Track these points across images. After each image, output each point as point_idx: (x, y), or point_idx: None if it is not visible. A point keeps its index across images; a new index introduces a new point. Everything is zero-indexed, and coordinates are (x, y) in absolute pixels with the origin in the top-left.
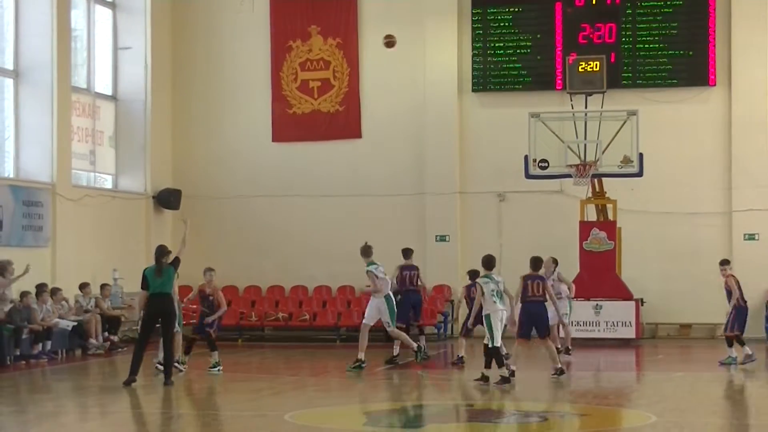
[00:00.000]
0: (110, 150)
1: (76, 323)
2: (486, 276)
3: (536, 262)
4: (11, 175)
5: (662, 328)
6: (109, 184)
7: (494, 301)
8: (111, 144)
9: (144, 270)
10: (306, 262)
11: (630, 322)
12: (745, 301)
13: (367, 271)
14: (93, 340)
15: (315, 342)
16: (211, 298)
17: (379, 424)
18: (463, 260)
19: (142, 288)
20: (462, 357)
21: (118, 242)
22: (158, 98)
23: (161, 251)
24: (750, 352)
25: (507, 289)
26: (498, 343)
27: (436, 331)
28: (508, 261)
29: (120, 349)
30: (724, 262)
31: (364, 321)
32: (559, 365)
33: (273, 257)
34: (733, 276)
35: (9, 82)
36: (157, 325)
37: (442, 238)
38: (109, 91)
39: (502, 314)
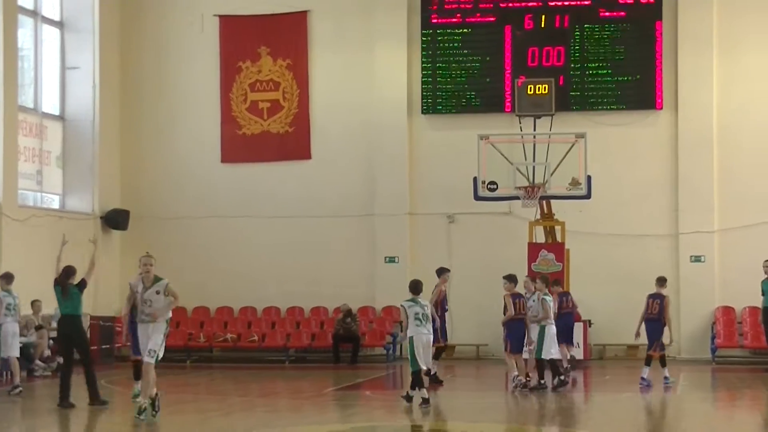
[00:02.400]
0: (57, 170)
1: (21, 345)
2: (411, 300)
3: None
4: None
5: (610, 349)
6: (56, 204)
7: (417, 325)
8: (58, 164)
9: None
10: (255, 283)
11: (578, 343)
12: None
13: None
14: (39, 362)
15: (264, 363)
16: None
17: None
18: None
19: None
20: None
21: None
22: (107, 118)
23: (67, 272)
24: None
25: (433, 312)
26: (422, 366)
27: (385, 352)
28: (457, 282)
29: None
30: (659, 281)
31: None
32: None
33: (222, 278)
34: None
35: None
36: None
37: (391, 260)
38: (56, 111)
39: (425, 338)
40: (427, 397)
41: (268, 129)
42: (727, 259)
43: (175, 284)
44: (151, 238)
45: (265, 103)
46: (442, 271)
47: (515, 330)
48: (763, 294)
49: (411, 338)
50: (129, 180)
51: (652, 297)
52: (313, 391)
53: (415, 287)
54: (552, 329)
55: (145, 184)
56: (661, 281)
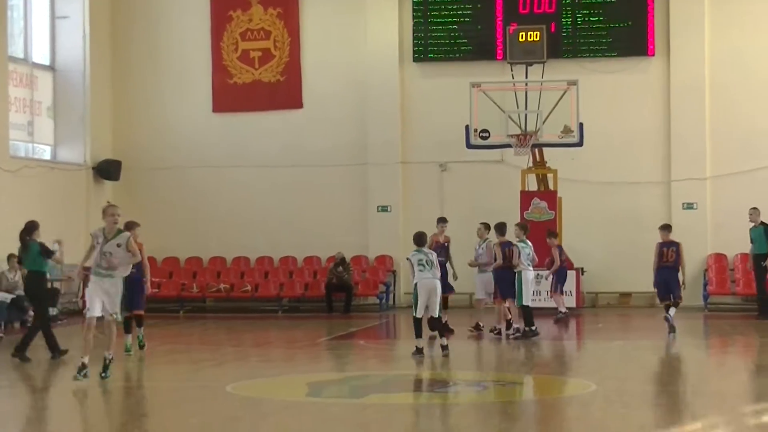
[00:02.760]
0: (49, 121)
1: (15, 296)
2: (416, 250)
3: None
4: None
5: (602, 297)
6: (47, 155)
7: (420, 270)
8: (49, 115)
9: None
10: (248, 233)
11: (570, 291)
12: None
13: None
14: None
15: (257, 313)
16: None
17: (321, 395)
18: (405, 230)
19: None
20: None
21: (58, 214)
22: (97, 68)
23: (28, 227)
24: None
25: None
26: (419, 315)
27: (378, 301)
28: (450, 230)
29: (60, 321)
30: (662, 228)
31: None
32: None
33: (214, 228)
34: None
35: None
36: None
37: (384, 209)
38: (47, 61)
39: (429, 282)
40: (421, 347)
41: (260, 78)
42: (719, 206)
43: (168, 235)
44: (142, 189)
45: (256, 52)
46: (437, 222)
47: (504, 277)
48: (752, 241)
49: (415, 284)
50: (121, 130)
51: (666, 246)
52: (306, 341)
53: (420, 239)
54: (529, 275)
55: (137, 134)
56: (669, 228)
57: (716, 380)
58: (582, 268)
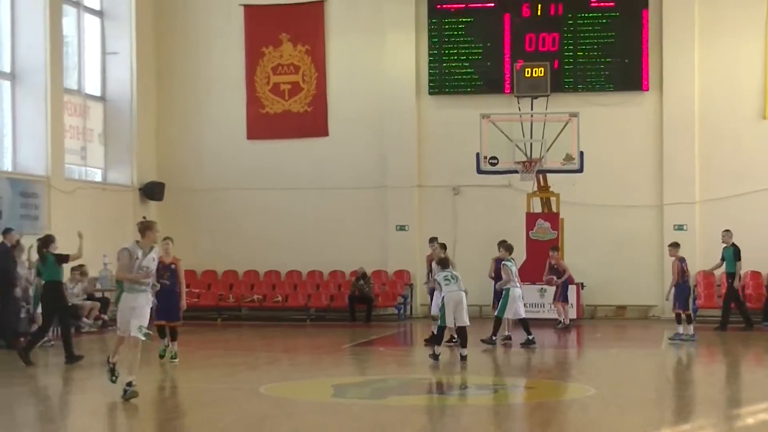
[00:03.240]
0: (100, 146)
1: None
2: (441, 269)
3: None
4: (9, 169)
5: (600, 310)
6: (98, 178)
7: (446, 284)
8: (100, 141)
9: None
10: (279, 249)
11: (572, 304)
12: (685, 281)
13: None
14: (85, 320)
15: (287, 321)
16: (173, 266)
17: (344, 396)
18: (421, 248)
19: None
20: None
21: (108, 230)
22: (143, 99)
23: (44, 241)
24: (692, 332)
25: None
26: (449, 325)
27: (396, 312)
28: (462, 248)
29: (110, 327)
30: (672, 245)
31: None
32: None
33: (248, 244)
34: (676, 258)
35: (6, 84)
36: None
37: (401, 228)
38: (98, 93)
39: (456, 295)
40: (438, 354)
41: (289, 108)
42: (707, 229)
43: (207, 250)
44: (183, 208)
45: (286, 85)
46: (429, 241)
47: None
48: (722, 260)
49: (443, 297)
50: (164, 155)
51: (682, 261)
52: (331, 347)
53: (444, 262)
54: (516, 292)
55: (179, 158)
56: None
57: (704, 386)
58: (582, 283)
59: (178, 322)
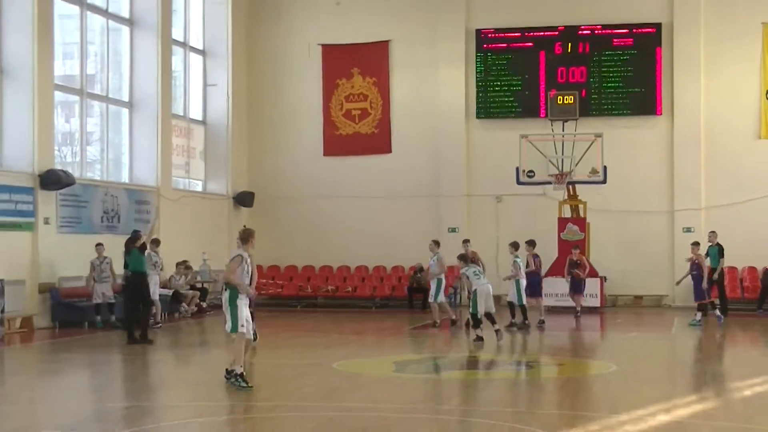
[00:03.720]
0: (200, 162)
1: (172, 292)
2: (466, 266)
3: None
4: (127, 181)
5: (620, 299)
6: (199, 188)
7: (477, 278)
8: (201, 157)
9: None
10: (349, 247)
11: (596, 294)
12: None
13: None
14: (185, 306)
15: (356, 308)
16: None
17: (404, 371)
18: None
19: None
20: (542, 319)
21: (206, 233)
22: (237, 122)
23: (132, 238)
24: (699, 318)
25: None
26: (480, 311)
27: (448, 300)
28: (503, 248)
29: (208, 313)
30: (694, 244)
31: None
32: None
33: (324, 244)
34: (695, 254)
35: (125, 111)
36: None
37: (452, 230)
38: (200, 117)
39: (486, 288)
40: (481, 335)
41: (359, 130)
42: (711, 230)
43: (289, 248)
44: (270, 213)
45: (357, 111)
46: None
47: (531, 281)
48: (706, 255)
49: (475, 290)
50: (254, 169)
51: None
52: (392, 330)
53: (464, 257)
54: (484, 289)
55: (266, 172)
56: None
57: (712, 363)
58: (605, 276)
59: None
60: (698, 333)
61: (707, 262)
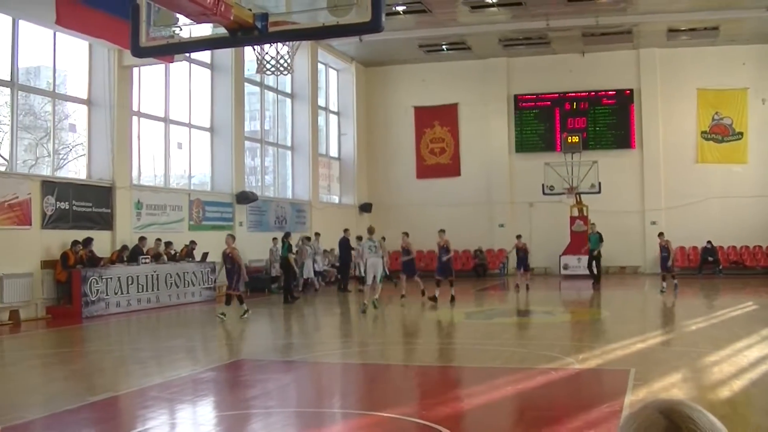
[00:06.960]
0: (337, 183)
1: (316, 271)
2: (368, 239)
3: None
4: (290, 197)
5: (611, 269)
6: (336, 201)
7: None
8: (337, 181)
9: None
10: (433, 238)
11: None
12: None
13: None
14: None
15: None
16: (230, 255)
17: (471, 318)
18: (512, 238)
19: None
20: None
21: (340, 231)
22: (360, 158)
23: (286, 234)
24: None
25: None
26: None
27: (498, 271)
28: (536, 239)
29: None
30: (660, 234)
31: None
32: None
33: (417, 235)
34: (662, 240)
35: (288, 153)
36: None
37: (501, 225)
38: (336, 155)
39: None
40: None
41: (439, 161)
42: (670, 223)
43: (395, 239)
44: (383, 217)
45: (437, 149)
46: (439, 231)
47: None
48: (588, 241)
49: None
50: (372, 187)
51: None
52: (464, 292)
53: (370, 231)
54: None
55: (379, 189)
56: (662, 234)
57: (670, 309)
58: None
59: (238, 291)
60: (663, 293)
61: (589, 245)
